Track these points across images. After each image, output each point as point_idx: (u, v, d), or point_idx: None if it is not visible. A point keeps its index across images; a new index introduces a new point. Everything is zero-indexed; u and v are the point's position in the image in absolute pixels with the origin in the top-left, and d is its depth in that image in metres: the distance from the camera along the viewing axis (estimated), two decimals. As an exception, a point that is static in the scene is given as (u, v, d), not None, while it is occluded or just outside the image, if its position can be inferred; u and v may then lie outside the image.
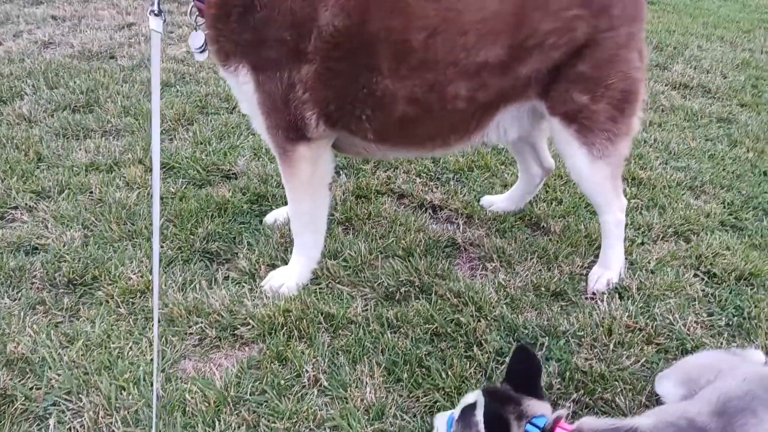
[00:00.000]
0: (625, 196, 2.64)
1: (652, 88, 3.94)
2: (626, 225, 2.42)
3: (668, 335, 1.94)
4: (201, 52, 1.88)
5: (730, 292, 2.13)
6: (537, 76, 1.80)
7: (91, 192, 2.56)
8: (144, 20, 4.74)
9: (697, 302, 2.08)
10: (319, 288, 2.09)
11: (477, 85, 1.78)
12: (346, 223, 2.48)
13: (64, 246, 2.23)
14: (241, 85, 1.84)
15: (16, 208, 2.45)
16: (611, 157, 1.91)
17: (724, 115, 3.60)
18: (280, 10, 1.70)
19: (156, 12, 1.71)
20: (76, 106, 3.27)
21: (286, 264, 2.16)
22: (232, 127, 3.17)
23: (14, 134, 2.94)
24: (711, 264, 2.25)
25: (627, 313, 2.00)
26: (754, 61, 4.59)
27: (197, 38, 1.85)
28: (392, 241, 2.33)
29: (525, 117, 1.97)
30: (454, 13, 1.70)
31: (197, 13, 1.84)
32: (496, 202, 2.58)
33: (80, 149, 2.87)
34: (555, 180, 2.78)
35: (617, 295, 2.10)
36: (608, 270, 2.13)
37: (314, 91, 1.79)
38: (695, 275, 2.22)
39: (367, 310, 2.00)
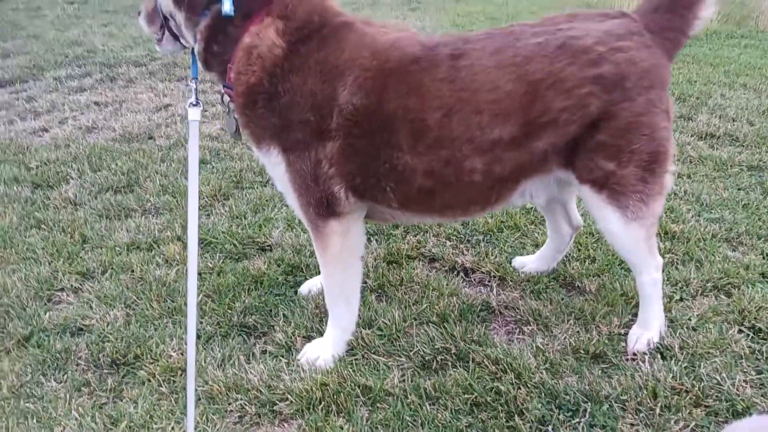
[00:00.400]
0: (659, 251, 2.62)
1: (678, 139, 3.94)
2: (663, 281, 2.39)
3: (717, 396, 1.88)
4: (236, 135, 2.01)
5: (778, 348, 2.07)
6: (554, 149, 1.84)
7: (133, 271, 2.65)
8: (180, 101, 4.99)
9: (744, 360, 2.02)
10: (355, 359, 2.10)
11: (492, 160, 1.82)
12: (379, 290, 2.50)
13: (107, 326, 2.30)
14: (274, 166, 1.94)
15: (62, 290, 2.55)
16: (645, 218, 1.90)
17: (754, 163, 3.57)
18: (302, 93, 1.81)
19: (194, 103, 1.85)
20: (117, 187, 3.43)
21: (322, 335, 2.18)
22: (266, 200, 3.26)
23: (61, 217, 3.08)
24: (755, 319, 2.19)
25: (671, 374, 1.95)
26: (780, 107, 4.56)
27: (231, 124, 2.00)
28: (426, 307, 2.34)
29: (552, 185, 2.01)
30: (468, 93, 1.76)
31: (229, 100, 1.97)
32: (528, 263, 2.58)
33: (122, 229, 2.99)
34: (586, 237, 2.77)
35: (659, 355, 2.06)
36: (648, 330, 2.09)
37: (339, 166, 1.87)
38: (740, 331, 2.16)
39: (404, 380, 2.00)
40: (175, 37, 2.03)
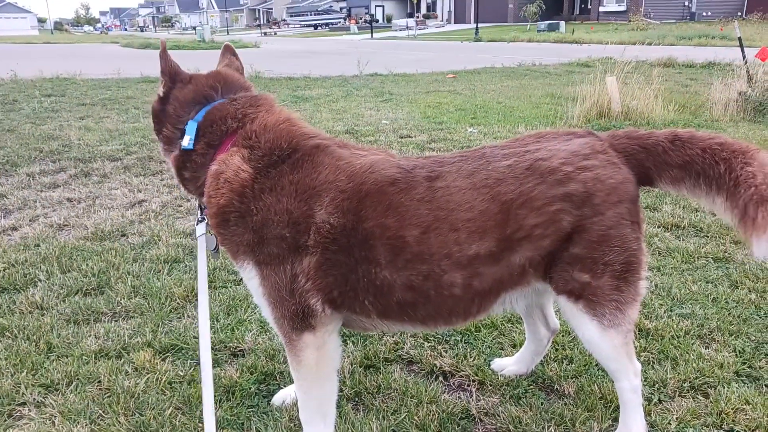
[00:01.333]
0: (635, 350, 2.64)
1: (645, 230, 4.06)
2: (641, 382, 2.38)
3: None
4: (215, 251, 2.12)
5: (759, 454, 2.05)
6: (531, 263, 1.89)
7: (100, 381, 2.55)
8: (154, 195, 5.01)
9: (726, 467, 1.99)
10: (332, 478, 2.02)
11: (471, 274, 1.87)
12: (356, 399, 2.44)
13: (69, 445, 2.18)
14: (249, 279, 1.96)
15: (24, 404, 2.43)
16: (622, 324, 1.93)
17: (719, 255, 3.67)
18: (276, 211, 1.86)
19: (200, 219, 2.07)
20: (87, 290, 3.36)
21: (297, 451, 2.10)
22: (239, 300, 3.22)
23: (26, 323, 2.99)
24: (733, 421, 2.19)
25: (656, 485, 1.91)
26: (739, 196, 4.75)
27: (210, 241, 2.11)
28: (405, 417, 2.29)
29: (530, 294, 2.05)
30: (445, 212, 1.83)
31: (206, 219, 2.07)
32: (507, 365, 2.57)
33: (90, 335, 2.90)
34: (563, 336, 2.78)
35: (642, 464, 2.02)
36: None
37: (316, 280, 1.88)
38: (720, 435, 2.14)
39: (383, 500, 1.92)
40: None
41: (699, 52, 18.84)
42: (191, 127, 2.02)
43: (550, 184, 1.83)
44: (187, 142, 2.01)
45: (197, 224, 2.10)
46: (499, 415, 2.30)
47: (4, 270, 3.59)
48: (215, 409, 2.33)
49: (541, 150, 1.90)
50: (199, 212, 2.15)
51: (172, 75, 2.09)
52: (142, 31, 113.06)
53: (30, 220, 4.49)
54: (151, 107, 2.18)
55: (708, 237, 3.98)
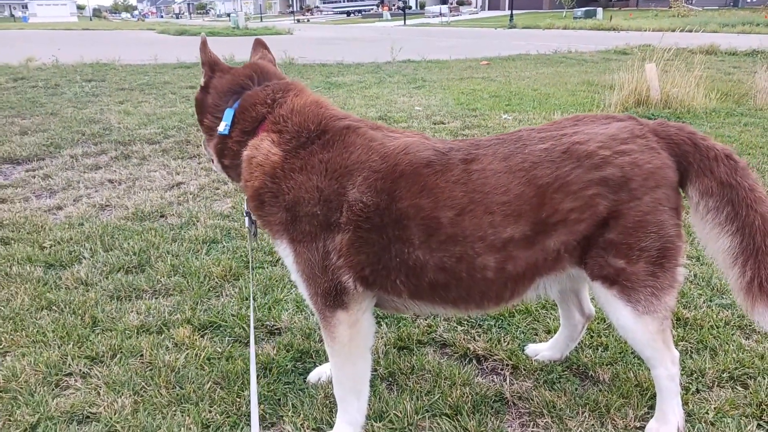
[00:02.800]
0: (673, 339, 2.60)
1: (684, 221, 3.97)
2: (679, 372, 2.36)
3: (740, 498, 1.82)
4: (255, 235, 2.28)
5: (800, 446, 2.01)
6: (566, 248, 1.88)
7: (142, 355, 2.64)
8: (192, 178, 5.10)
9: (765, 458, 1.96)
10: (367, 454, 2.05)
11: (505, 258, 1.87)
12: (390, 379, 2.47)
13: (115, 414, 2.26)
14: (285, 257, 2.03)
15: (71, 374, 2.53)
16: (657, 311, 1.91)
17: (762, 246, 3.58)
18: (307, 189, 1.91)
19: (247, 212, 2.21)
20: (129, 267, 3.46)
21: (332, 427, 2.14)
22: (276, 281, 3.28)
23: (72, 298, 3.09)
24: (774, 413, 2.15)
25: (692, 473, 1.90)
26: (784, 187, 4.62)
27: (251, 226, 2.25)
28: (438, 398, 2.31)
29: (565, 280, 2.03)
30: (480, 195, 1.83)
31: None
32: (541, 350, 2.56)
33: (132, 311, 3.00)
34: (598, 324, 2.76)
35: (679, 452, 2.01)
36: (666, 425, 2.05)
37: (348, 257, 1.91)
38: (759, 426, 2.11)
39: (417, 477, 1.95)
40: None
41: (743, 39, 18.24)
42: (228, 114, 2.10)
43: (587, 168, 1.81)
44: (222, 127, 2.09)
45: (246, 215, 2.24)
46: (532, 399, 2.30)
47: (50, 247, 3.72)
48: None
49: (578, 133, 1.88)
50: (245, 205, 2.24)
51: (211, 65, 2.19)
52: (177, 17, 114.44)
53: (74, 200, 4.63)
54: (194, 97, 2.26)
55: None
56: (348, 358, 2.03)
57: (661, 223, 1.83)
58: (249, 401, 2.32)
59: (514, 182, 1.82)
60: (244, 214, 2.23)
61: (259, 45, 2.37)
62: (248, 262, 3.51)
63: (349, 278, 1.93)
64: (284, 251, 2.01)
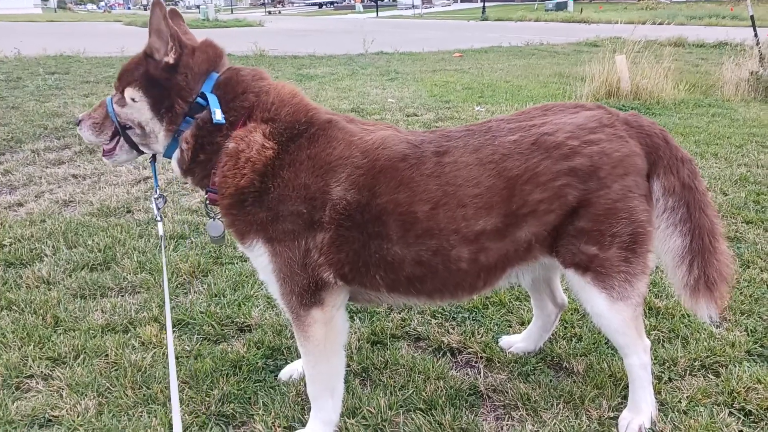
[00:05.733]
0: (645, 327, 2.61)
1: (655, 210, 4.01)
2: (651, 360, 2.36)
3: (713, 486, 1.82)
4: (220, 239, 2.13)
5: (770, 432, 2.03)
6: (537, 239, 1.87)
7: (107, 355, 2.55)
8: (160, 173, 4.97)
9: (737, 445, 1.97)
10: (340, 452, 2.01)
11: (478, 249, 1.86)
12: (363, 374, 2.43)
13: (78, 416, 2.18)
14: (257, 257, 1.92)
15: (32, 377, 2.43)
16: (631, 297, 1.91)
17: (731, 234, 3.63)
18: (294, 186, 1.83)
19: (159, 219, 2.13)
20: (93, 265, 3.35)
21: (304, 425, 2.09)
22: (246, 276, 3.21)
23: (33, 298, 2.98)
24: (744, 400, 2.17)
25: (665, 462, 1.90)
26: (752, 176, 4.70)
27: (216, 227, 2.08)
28: (412, 392, 2.28)
29: (537, 268, 2.03)
30: (453, 188, 1.81)
31: (209, 203, 2.02)
32: (515, 342, 2.55)
33: (97, 309, 2.90)
34: (572, 314, 2.76)
35: (652, 441, 2.01)
36: (639, 414, 2.05)
37: (329, 255, 1.86)
38: (730, 413, 2.12)
39: (391, 474, 1.91)
40: (133, 146, 2.02)
41: (710, 31, 18.56)
42: (213, 101, 1.86)
43: (555, 158, 1.81)
44: (219, 116, 1.84)
45: (158, 220, 2.14)
46: (507, 392, 2.28)
47: (10, 245, 3.58)
48: (222, 383, 2.34)
49: (547, 124, 1.88)
50: (208, 207, 2.05)
51: (180, 40, 1.89)
52: (145, 9, 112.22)
53: (35, 196, 4.48)
54: (140, 73, 1.91)
55: (719, 217, 3.92)
56: (322, 356, 1.98)
57: (631, 210, 1.84)
58: (218, 400, 2.26)
59: (485, 174, 1.81)
60: (207, 213, 2.07)
61: (176, 15, 1.99)
62: (218, 258, 3.43)
63: (330, 275, 1.88)
64: (257, 251, 1.90)
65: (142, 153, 2.07)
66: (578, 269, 1.89)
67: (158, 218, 2.13)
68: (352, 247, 1.85)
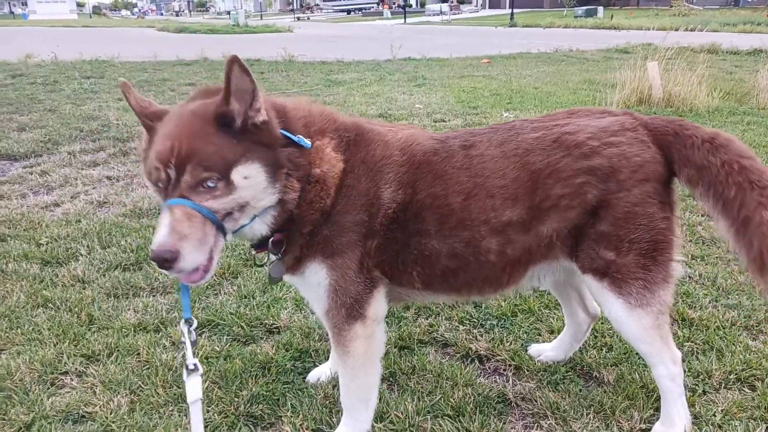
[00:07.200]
0: (677, 338, 2.56)
1: (688, 219, 3.95)
2: (684, 372, 2.32)
3: (749, 502, 1.78)
4: (277, 279, 1.92)
5: (809, 448, 1.97)
6: (558, 235, 1.89)
7: (139, 353, 2.59)
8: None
9: (774, 461, 1.92)
10: (367, 457, 2.01)
11: (505, 241, 1.88)
12: (390, 379, 2.43)
13: (111, 413, 2.22)
14: (311, 276, 1.86)
15: (66, 373, 2.49)
16: (650, 305, 1.88)
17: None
18: (357, 194, 1.81)
19: (193, 368, 1.72)
20: (126, 265, 3.41)
21: (331, 428, 2.10)
22: (275, 279, 3.23)
23: (68, 296, 3.05)
24: (782, 415, 2.11)
25: (699, 477, 1.86)
26: (788, 186, 4.57)
27: (279, 269, 1.87)
28: (440, 398, 2.27)
29: (558, 271, 2.04)
30: (482, 179, 1.85)
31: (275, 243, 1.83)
32: (545, 351, 2.52)
33: (129, 309, 2.95)
34: (602, 324, 2.72)
35: (686, 455, 1.97)
36: (672, 427, 2.01)
37: (375, 258, 1.89)
38: (767, 429, 2.07)
39: (419, 480, 1.90)
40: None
41: (744, 38, 18.19)
42: (287, 132, 1.72)
43: (576, 157, 1.83)
44: (307, 142, 1.75)
45: (186, 375, 1.72)
46: (536, 401, 2.26)
47: (47, 244, 3.67)
48: (251, 383, 2.36)
49: (569, 125, 1.91)
50: (274, 249, 1.82)
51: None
52: (177, 15, 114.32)
53: (71, 197, 4.58)
54: (248, 147, 1.62)
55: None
56: (361, 370, 1.99)
57: (650, 216, 1.83)
58: (247, 401, 2.28)
59: (510, 167, 1.85)
60: (255, 262, 1.82)
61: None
62: (247, 260, 3.47)
63: (378, 277, 1.91)
64: (311, 271, 1.83)
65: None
66: (596, 275, 1.89)
67: (191, 365, 1.72)
68: (394, 247, 1.88)
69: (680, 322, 2.72)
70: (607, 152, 1.83)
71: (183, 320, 1.80)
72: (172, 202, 1.56)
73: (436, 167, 1.86)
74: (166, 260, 1.51)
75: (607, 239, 1.84)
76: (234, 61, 1.54)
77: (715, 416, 2.13)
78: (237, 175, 1.59)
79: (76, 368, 2.50)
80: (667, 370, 1.99)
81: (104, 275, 3.30)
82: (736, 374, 2.35)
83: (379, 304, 1.94)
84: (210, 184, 1.57)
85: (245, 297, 3.06)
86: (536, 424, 2.16)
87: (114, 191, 4.70)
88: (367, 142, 1.88)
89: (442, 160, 1.87)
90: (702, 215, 4.04)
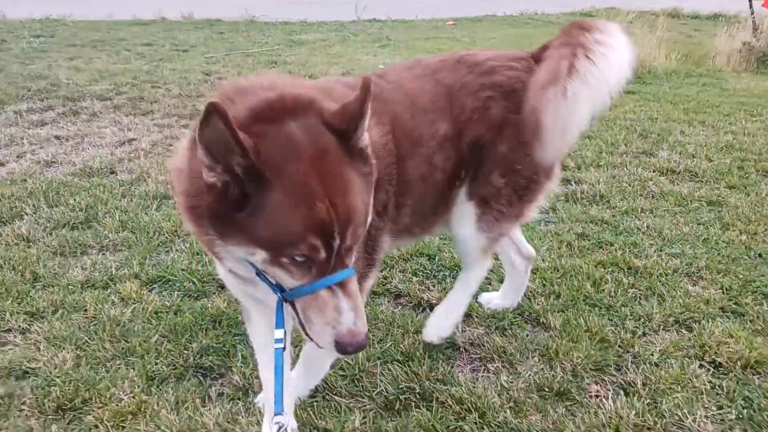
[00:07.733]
0: (621, 285, 2.64)
1: (640, 174, 4.03)
2: (626, 317, 2.40)
3: (680, 433, 1.86)
4: None
5: (738, 383, 2.07)
6: (472, 152, 1.96)
7: (86, 310, 2.55)
8: (144, 135, 4.92)
9: (705, 395, 2.01)
10: (316, 401, 2.03)
11: (446, 157, 1.93)
12: (343, 329, 2.44)
13: (55, 368, 2.19)
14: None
15: (9, 330, 2.43)
16: (492, 232, 2.06)
17: (713, 198, 3.64)
18: (385, 152, 1.75)
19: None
20: (74, 224, 3.32)
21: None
22: (228, 236, 3.19)
23: (12, 255, 2.96)
24: (715, 353, 2.20)
25: (634, 411, 1.93)
26: (737, 144, 4.70)
27: None
28: (390, 345, 2.30)
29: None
30: (412, 97, 1.91)
31: None
32: (494, 299, 2.57)
33: (77, 266, 2.89)
34: (551, 273, 2.77)
35: (623, 392, 2.04)
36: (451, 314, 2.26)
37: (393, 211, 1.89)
38: (701, 366, 2.16)
39: (365, 422, 1.94)
40: None
41: (705, 3, 18.38)
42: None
43: (478, 74, 1.95)
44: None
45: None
46: (483, 345, 2.30)
47: (-10, 203, 3.54)
48: (201, 336, 2.35)
49: (467, 53, 2.05)
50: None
51: None
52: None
53: (17, 157, 4.41)
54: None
55: (703, 182, 3.94)
56: None
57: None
58: (197, 353, 2.27)
59: (426, 84, 1.94)
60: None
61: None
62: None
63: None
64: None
65: None
66: (479, 202, 2.00)
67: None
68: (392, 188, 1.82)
69: (626, 270, 2.79)
70: (507, 73, 1.96)
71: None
72: (344, 276, 1.27)
73: (386, 96, 1.84)
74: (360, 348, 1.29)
75: (503, 163, 1.95)
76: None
77: (653, 355, 2.21)
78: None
79: (19, 325, 2.44)
80: (476, 274, 2.24)
81: (51, 234, 3.20)
82: (674, 317, 2.44)
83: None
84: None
85: (197, 254, 3.02)
86: (483, 368, 2.21)
87: (63, 150, 4.54)
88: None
89: (388, 91, 1.88)
90: (654, 171, 4.12)
